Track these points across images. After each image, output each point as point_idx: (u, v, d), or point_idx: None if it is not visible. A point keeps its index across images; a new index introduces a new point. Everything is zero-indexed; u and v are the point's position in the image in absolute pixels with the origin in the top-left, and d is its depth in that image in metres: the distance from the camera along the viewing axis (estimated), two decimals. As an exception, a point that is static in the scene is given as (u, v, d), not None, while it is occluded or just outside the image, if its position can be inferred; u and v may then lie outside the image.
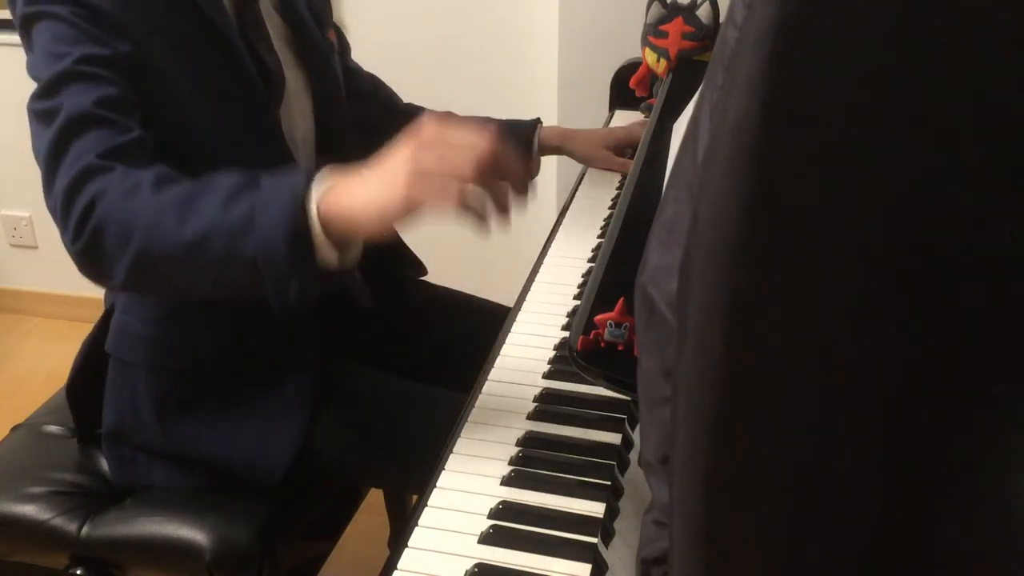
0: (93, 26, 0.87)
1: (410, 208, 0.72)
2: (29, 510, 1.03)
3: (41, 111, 0.86)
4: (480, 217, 0.75)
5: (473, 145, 0.73)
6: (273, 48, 1.03)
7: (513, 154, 0.75)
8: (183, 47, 0.93)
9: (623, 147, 1.41)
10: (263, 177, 0.80)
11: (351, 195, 0.75)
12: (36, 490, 1.05)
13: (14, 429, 1.17)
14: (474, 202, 0.73)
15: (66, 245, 0.84)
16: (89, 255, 0.82)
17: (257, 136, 1.01)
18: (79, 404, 1.12)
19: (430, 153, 0.73)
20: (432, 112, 1.16)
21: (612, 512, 0.73)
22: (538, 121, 1.38)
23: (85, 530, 1.01)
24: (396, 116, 1.35)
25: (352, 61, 1.33)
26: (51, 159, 0.84)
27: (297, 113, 1.10)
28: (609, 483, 0.76)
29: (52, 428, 1.16)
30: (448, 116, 0.76)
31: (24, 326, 2.50)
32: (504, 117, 1.38)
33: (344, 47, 1.29)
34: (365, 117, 1.29)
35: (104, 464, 1.09)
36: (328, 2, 1.20)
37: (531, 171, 1.30)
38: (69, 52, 0.86)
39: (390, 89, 1.37)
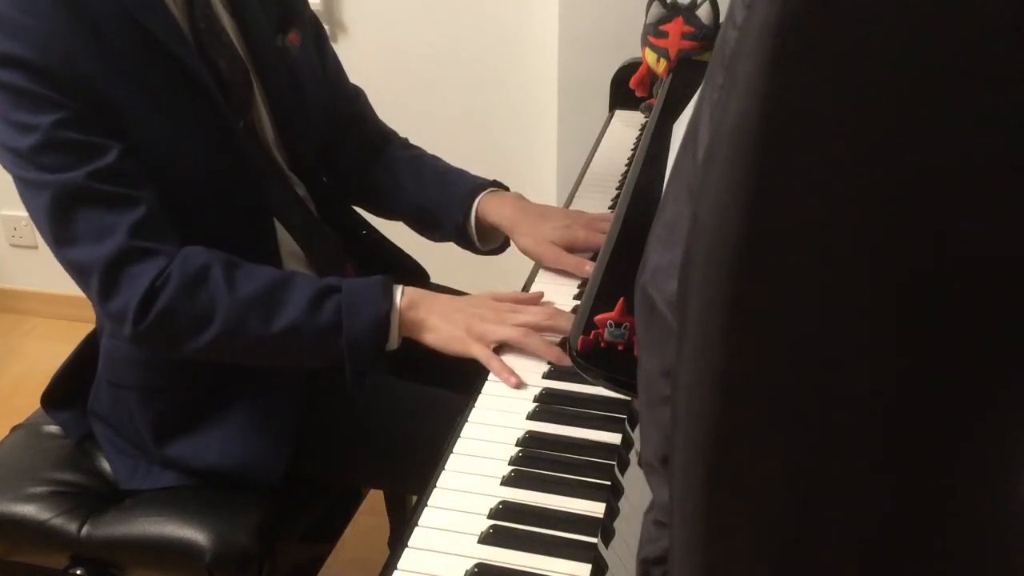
0: (49, 89, 0.85)
1: (463, 352, 0.94)
2: (29, 510, 1.03)
3: (29, 180, 0.88)
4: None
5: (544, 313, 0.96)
6: (236, 55, 0.99)
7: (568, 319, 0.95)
8: (139, 78, 0.91)
9: (579, 248, 1.10)
10: (341, 282, 0.95)
11: (429, 320, 0.97)
12: (36, 490, 1.05)
13: (14, 429, 1.17)
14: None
15: (116, 317, 0.90)
16: (154, 334, 0.91)
17: (229, 150, 0.98)
18: (56, 410, 1.13)
19: (499, 314, 0.96)
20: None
21: (612, 512, 0.73)
22: (482, 188, 1.16)
23: (85, 530, 1.01)
24: (356, 134, 1.24)
25: (333, 61, 1.23)
26: (55, 228, 0.88)
27: (266, 119, 1.06)
28: (609, 483, 0.76)
29: (52, 428, 1.16)
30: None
31: (24, 326, 2.50)
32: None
33: (322, 39, 1.19)
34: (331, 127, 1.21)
35: (104, 464, 1.09)
36: (287, 3, 1.10)
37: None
38: (36, 124, 0.85)
39: (367, 107, 1.27)
